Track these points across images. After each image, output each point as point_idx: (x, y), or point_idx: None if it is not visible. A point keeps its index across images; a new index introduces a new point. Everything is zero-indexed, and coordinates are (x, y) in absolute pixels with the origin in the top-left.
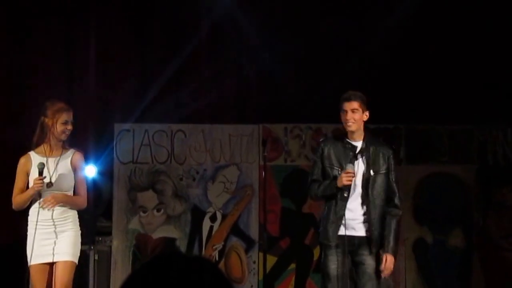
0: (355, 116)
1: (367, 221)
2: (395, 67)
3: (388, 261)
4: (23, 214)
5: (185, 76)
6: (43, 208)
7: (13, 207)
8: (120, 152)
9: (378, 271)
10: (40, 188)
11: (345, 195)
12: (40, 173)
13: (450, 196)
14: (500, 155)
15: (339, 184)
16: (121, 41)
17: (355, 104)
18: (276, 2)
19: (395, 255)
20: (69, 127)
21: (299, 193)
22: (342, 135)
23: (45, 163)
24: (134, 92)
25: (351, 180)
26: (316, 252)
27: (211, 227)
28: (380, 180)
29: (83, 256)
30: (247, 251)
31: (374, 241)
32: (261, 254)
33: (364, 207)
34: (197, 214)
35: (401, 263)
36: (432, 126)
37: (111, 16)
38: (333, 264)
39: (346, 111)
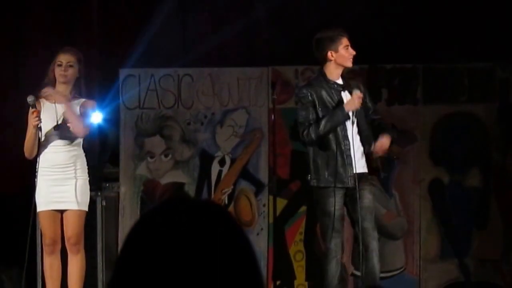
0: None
1: (363, 155)
2: (412, 4)
3: (384, 138)
4: (29, 162)
5: (190, 18)
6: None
7: (25, 154)
8: (126, 98)
9: (375, 204)
10: (36, 121)
11: (352, 120)
12: (32, 106)
13: (468, 136)
14: None
15: (348, 108)
16: None
17: (348, 40)
18: None
19: (390, 135)
20: (63, 69)
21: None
22: (322, 76)
23: (34, 98)
24: (139, 36)
25: (362, 103)
26: None
27: (220, 171)
28: (364, 112)
29: (90, 203)
30: (256, 194)
31: (370, 172)
32: (271, 197)
33: (358, 142)
34: (206, 159)
35: (416, 203)
36: (450, 64)
37: None
38: (337, 204)
39: (348, 46)
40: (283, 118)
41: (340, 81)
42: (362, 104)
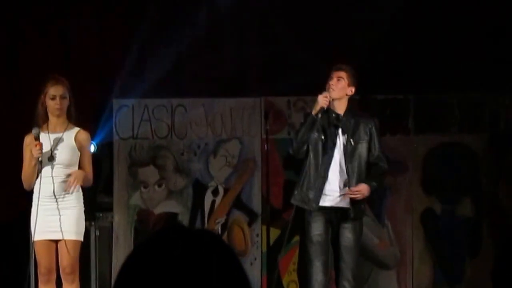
0: (339, 84)
1: (344, 191)
2: (403, 36)
3: (361, 188)
4: (25, 191)
5: (184, 49)
6: (70, 192)
7: (24, 185)
8: (120, 128)
9: (357, 244)
10: (39, 154)
11: (322, 138)
12: (36, 138)
13: (459, 165)
14: None
15: (314, 109)
16: (120, 15)
17: (342, 73)
18: None
19: (370, 189)
20: (57, 101)
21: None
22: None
23: (39, 130)
24: (133, 67)
25: (327, 102)
26: None
27: (213, 201)
28: (360, 150)
29: (84, 232)
30: (250, 224)
31: (355, 212)
32: (264, 227)
33: (344, 178)
34: (199, 189)
35: (408, 233)
36: (442, 95)
37: None
38: (317, 230)
39: (332, 78)
40: (276, 148)
41: (337, 115)
42: (357, 143)
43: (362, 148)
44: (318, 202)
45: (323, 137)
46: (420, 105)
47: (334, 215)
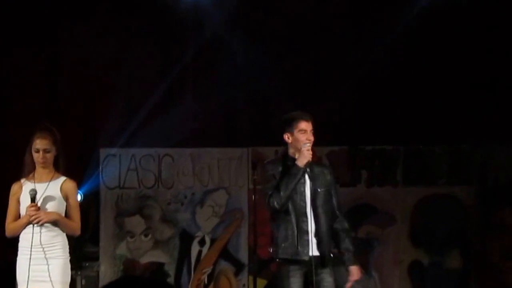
0: (312, 137)
1: (318, 239)
2: (392, 88)
3: (355, 273)
4: (10, 240)
5: (172, 99)
6: (32, 222)
7: (6, 234)
8: (107, 177)
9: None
10: (34, 215)
11: (307, 225)
12: (32, 199)
13: (447, 217)
14: (502, 175)
15: (301, 163)
16: (107, 65)
17: (312, 125)
18: (265, 24)
19: (357, 264)
20: (41, 154)
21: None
22: (285, 157)
23: (36, 189)
24: (120, 117)
25: (311, 154)
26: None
27: (200, 251)
28: (325, 196)
29: (70, 282)
30: (236, 274)
31: (327, 257)
32: (251, 278)
33: (313, 225)
34: (186, 239)
35: (396, 284)
36: (430, 147)
37: (97, 41)
38: (295, 285)
39: (305, 131)
40: (263, 199)
41: (301, 164)
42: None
43: (326, 193)
44: (309, 252)
45: (285, 191)
46: (409, 156)
47: (311, 263)
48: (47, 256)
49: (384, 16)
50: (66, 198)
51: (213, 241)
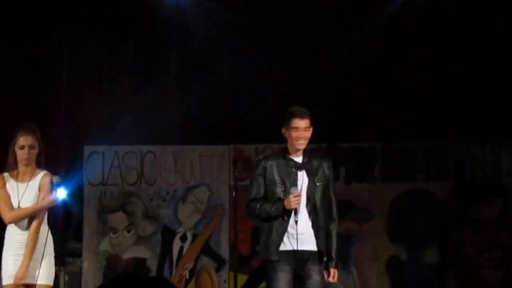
0: (307, 134)
1: (315, 233)
2: (369, 85)
3: (336, 276)
4: None
5: (155, 97)
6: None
7: (10, 221)
8: (90, 174)
9: (323, 284)
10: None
11: (296, 219)
12: (56, 187)
13: (425, 213)
14: (478, 171)
15: (287, 207)
16: (92, 63)
17: (308, 122)
18: (248, 20)
19: (337, 267)
20: (26, 151)
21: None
22: (282, 152)
23: (56, 179)
24: (104, 114)
25: (299, 203)
26: None
27: (182, 247)
28: (323, 191)
29: (54, 277)
30: (217, 270)
31: (322, 253)
32: (231, 273)
33: (311, 219)
34: (168, 235)
35: (374, 280)
36: (407, 144)
37: (82, 39)
38: (283, 281)
39: (297, 128)
40: (244, 195)
41: (298, 159)
42: (321, 182)
43: (324, 188)
44: (297, 246)
45: (283, 189)
46: (386, 153)
47: (301, 257)
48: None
49: (360, 13)
50: (40, 189)
51: (194, 237)
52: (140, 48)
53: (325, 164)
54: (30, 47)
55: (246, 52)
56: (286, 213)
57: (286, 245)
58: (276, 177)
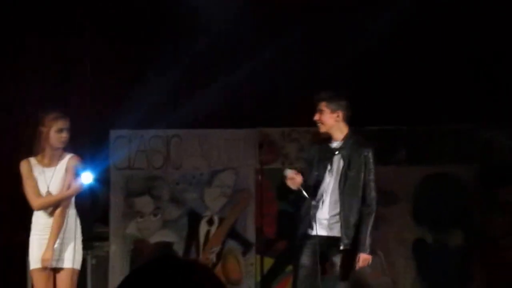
0: (322, 116)
1: (341, 220)
2: (395, 67)
3: (362, 261)
4: (20, 219)
5: (180, 81)
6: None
7: (37, 208)
8: (116, 158)
9: (348, 271)
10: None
11: (313, 203)
12: (81, 171)
13: (451, 196)
14: (505, 154)
15: (293, 188)
16: (117, 47)
17: (320, 105)
18: (272, 2)
19: (369, 252)
20: (64, 135)
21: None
22: (328, 138)
23: (81, 164)
24: (130, 98)
25: (294, 183)
26: None
27: (208, 231)
28: (355, 178)
29: (81, 261)
30: (244, 253)
31: (347, 240)
32: (258, 257)
33: (338, 205)
34: (194, 218)
35: (401, 262)
36: (434, 126)
37: (106, 22)
38: (305, 259)
39: (315, 113)
40: (270, 179)
41: (336, 144)
42: (351, 170)
43: (357, 175)
44: (313, 229)
45: (316, 173)
46: (412, 136)
47: (325, 243)
48: (59, 236)
49: None
50: (66, 172)
51: (221, 220)
52: (165, 31)
53: (363, 151)
54: (55, 32)
55: (272, 35)
56: (298, 193)
57: (311, 229)
58: (315, 163)
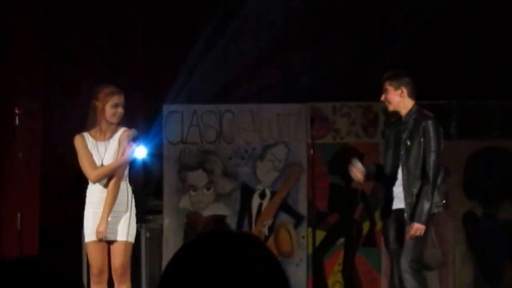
0: (388, 96)
1: (404, 191)
2: (444, 42)
3: (414, 230)
4: (75, 194)
5: (232, 56)
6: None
7: (94, 180)
8: (169, 133)
9: (414, 242)
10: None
11: (388, 150)
12: (133, 139)
13: (500, 170)
14: None
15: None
16: (169, 22)
17: (385, 85)
18: None
19: (422, 222)
20: (120, 109)
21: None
22: (399, 116)
23: (134, 132)
24: (183, 74)
25: (354, 175)
26: (366, 226)
27: (260, 204)
28: (416, 150)
29: (135, 234)
30: (296, 226)
31: (410, 211)
32: (310, 230)
33: (404, 178)
34: (246, 192)
35: (450, 235)
36: (483, 101)
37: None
38: (386, 239)
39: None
40: (321, 153)
41: (403, 119)
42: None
43: (417, 147)
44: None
45: (391, 151)
46: (462, 110)
47: (396, 216)
48: (113, 209)
49: None
50: (119, 144)
51: (273, 194)
52: (213, 7)
53: (422, 122)
54: (106, 7)
55: (323, 12)
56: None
57: (392, 204)
58: (388, 139)
